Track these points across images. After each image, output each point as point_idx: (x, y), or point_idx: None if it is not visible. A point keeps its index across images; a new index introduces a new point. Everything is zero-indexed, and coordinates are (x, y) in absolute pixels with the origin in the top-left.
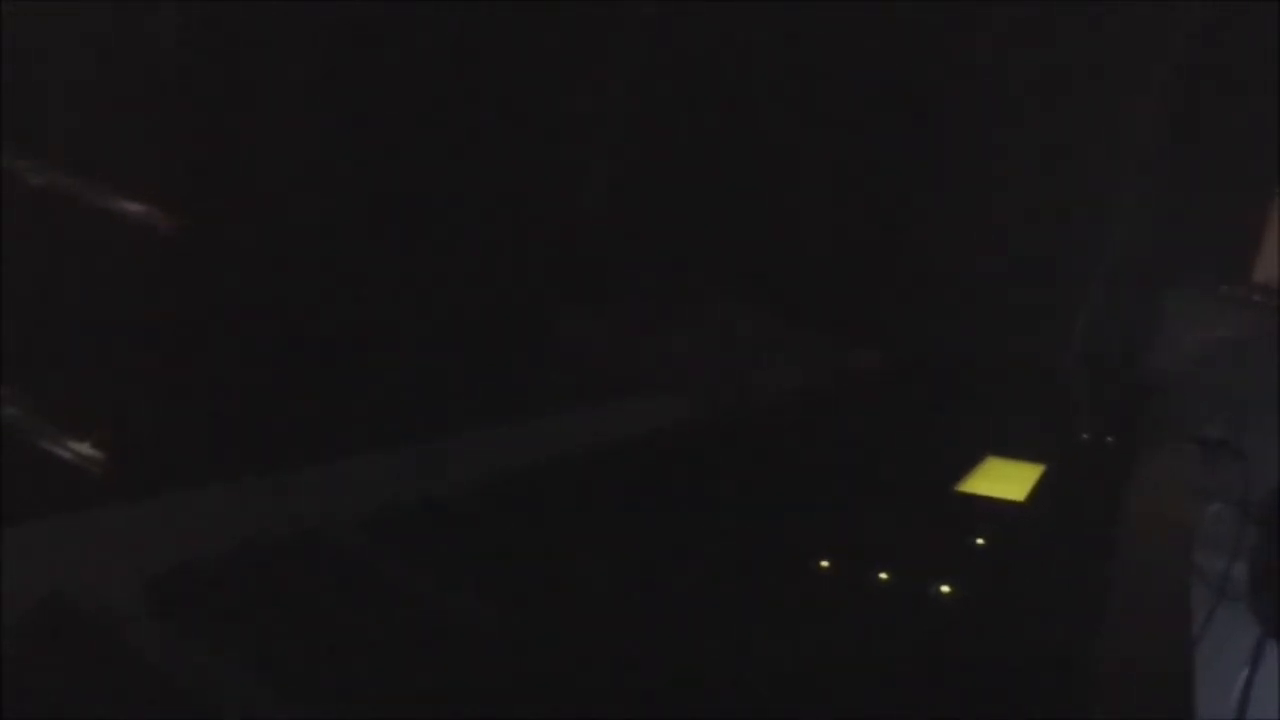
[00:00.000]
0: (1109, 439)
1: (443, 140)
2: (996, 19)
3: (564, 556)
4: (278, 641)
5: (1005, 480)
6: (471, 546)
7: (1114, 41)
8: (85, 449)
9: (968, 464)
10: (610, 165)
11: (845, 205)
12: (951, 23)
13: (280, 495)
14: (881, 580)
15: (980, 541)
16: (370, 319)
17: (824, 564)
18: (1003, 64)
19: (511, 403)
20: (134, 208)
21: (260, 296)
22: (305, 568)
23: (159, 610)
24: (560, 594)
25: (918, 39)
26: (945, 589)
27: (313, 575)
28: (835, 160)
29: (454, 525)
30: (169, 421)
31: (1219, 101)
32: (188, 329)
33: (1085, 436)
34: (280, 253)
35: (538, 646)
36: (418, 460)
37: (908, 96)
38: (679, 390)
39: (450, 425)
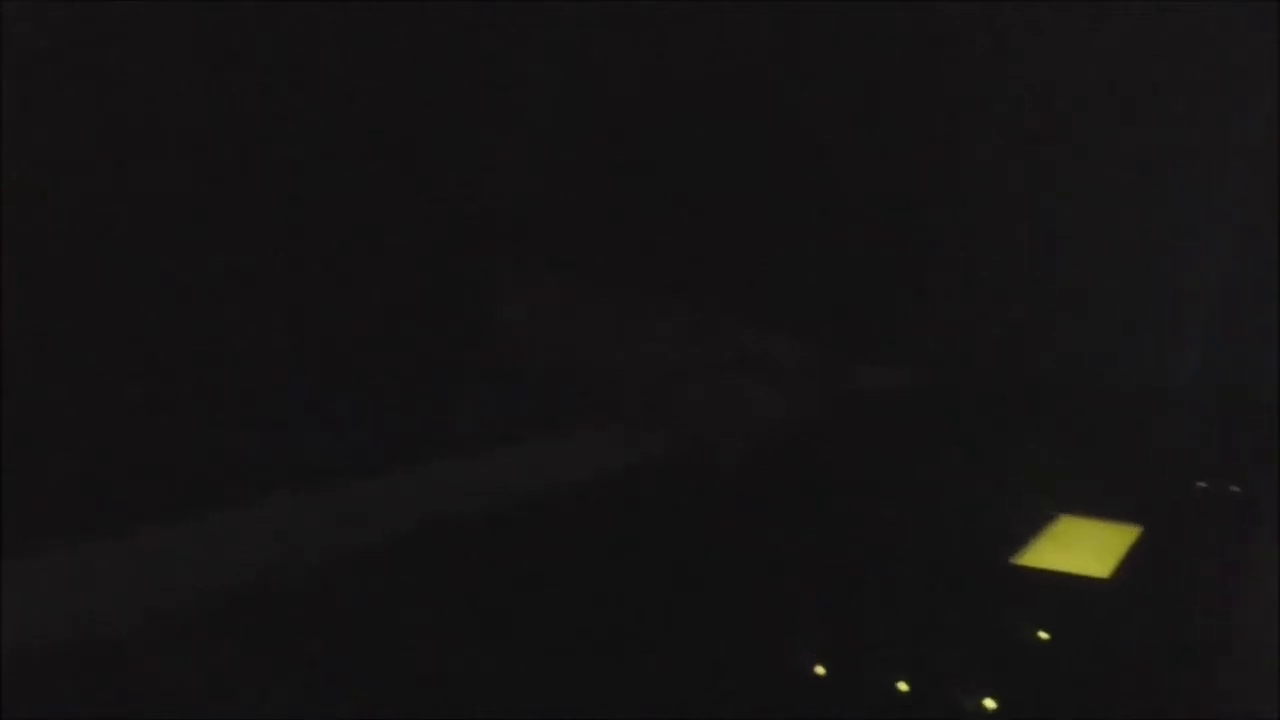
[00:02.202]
0: (1233, 489)
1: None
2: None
3: (486, 655)
4: None
5: (1083, 548)
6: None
7: (1219, 34)
8: None
9: (1031, 526)
10: (600, 161)
11: (869, 193)
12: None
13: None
14: (900, 692)
15: (1043, 636)
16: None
17: (820, 669)
18: (1105, 59)
19: (433, 441)
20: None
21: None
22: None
23: None
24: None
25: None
26: (989, 704)
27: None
28: (887, 153)
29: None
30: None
31: None
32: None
33: (1201, 485)
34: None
35: None
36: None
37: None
38: (654, 422)
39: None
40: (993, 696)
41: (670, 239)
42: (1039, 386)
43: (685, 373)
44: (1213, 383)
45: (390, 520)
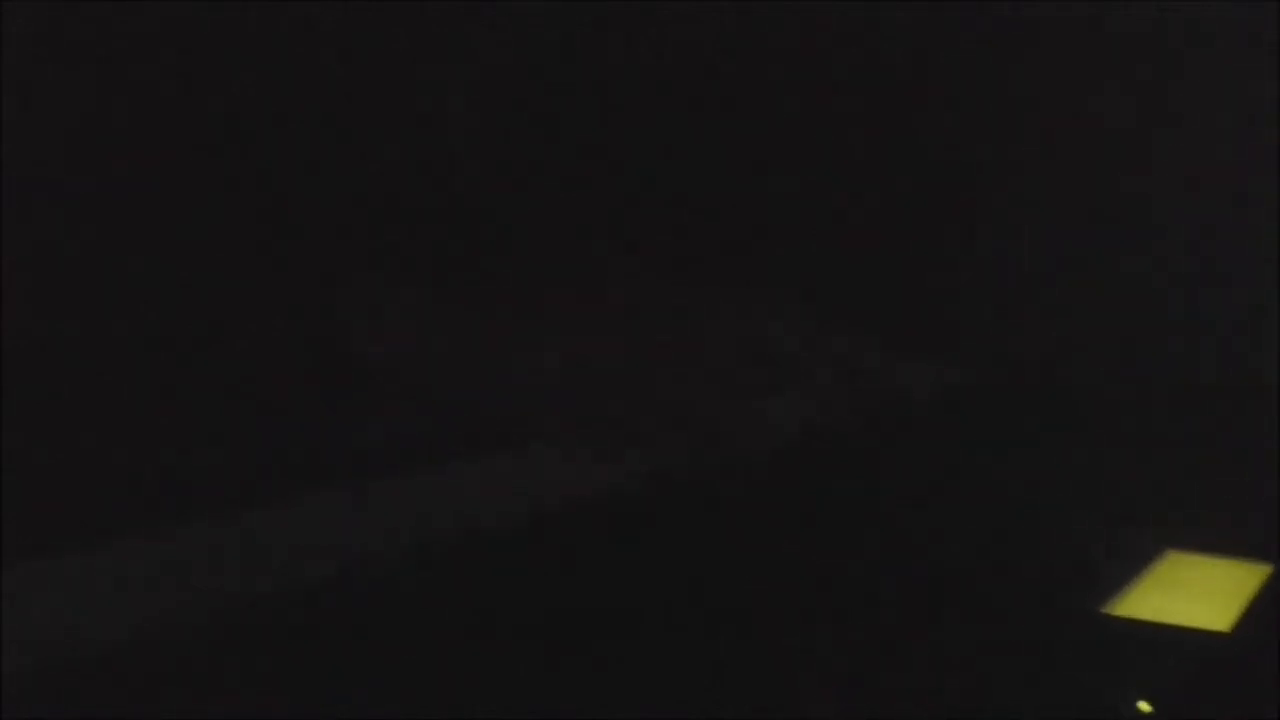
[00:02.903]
0: None
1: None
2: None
3: None
4: None
5: (1197, 593)
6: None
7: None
8: None
9: (1129, 563)
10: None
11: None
12: None
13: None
14: None
15: (1144, 708)
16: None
17: None
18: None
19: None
20: None
21: None
22: None
23: None
24: None
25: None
26: None
27: None
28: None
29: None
30: None
31: None
32: None
33: None
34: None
35: None
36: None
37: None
38: (659, 429)
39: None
40: None
41: (690, 239)
42: (1140, 388)
43: (698, 376)
44: None
45: (389, 522)
